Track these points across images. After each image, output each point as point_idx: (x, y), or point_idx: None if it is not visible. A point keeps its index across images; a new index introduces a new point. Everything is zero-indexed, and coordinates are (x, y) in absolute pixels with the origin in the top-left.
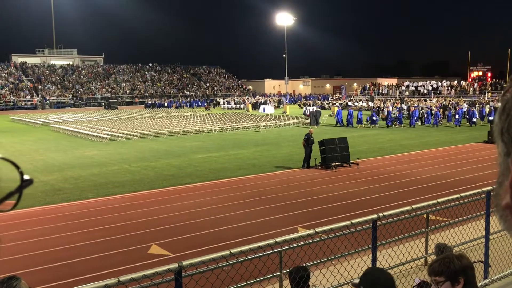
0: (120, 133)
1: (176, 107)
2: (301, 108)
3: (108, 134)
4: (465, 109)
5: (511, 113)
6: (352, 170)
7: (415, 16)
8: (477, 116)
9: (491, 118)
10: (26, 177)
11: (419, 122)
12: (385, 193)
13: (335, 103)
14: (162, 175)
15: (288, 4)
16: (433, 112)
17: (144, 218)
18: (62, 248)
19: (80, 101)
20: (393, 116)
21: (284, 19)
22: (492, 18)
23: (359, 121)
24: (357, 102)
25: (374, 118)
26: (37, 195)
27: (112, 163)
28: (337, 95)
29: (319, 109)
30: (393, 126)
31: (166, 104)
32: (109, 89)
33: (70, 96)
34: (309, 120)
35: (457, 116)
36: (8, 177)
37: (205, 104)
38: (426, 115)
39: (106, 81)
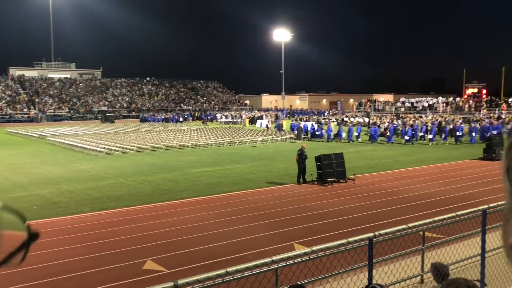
0: (116, 146)
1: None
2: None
3: (104, 148)
4: (450, 126)
5: None
6: (348, 186)
7: (412, 33)
8: (462, 132)
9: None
10: (31, 230)
11: (429, 136)
12: (381, 210)
13: (331, 119)
14: (158, 190)
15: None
16: (429, 128)
17: (139, 233)
18: (56, 263)
19: (77, 115)
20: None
21: (282, 35)
22: (488, 36)
23: (355, 136)
24: (353, 117)
25: (373, 133)
26: (32, 208)
27: (108, 177)
28: (334, 110)
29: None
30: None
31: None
32: (106, 103)
33: (67, 110)
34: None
35: (458, 133)
36: (13, 230)
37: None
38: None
39: (104, 95)
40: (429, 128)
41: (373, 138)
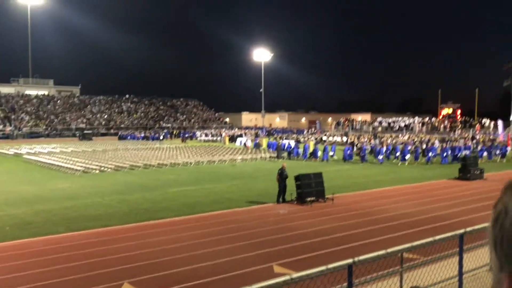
0: (94, 165)
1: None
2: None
3: (81, 166)
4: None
5: (504, 226)
6: (327, 206)
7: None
8: (436, 153)
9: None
10: None
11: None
12: (359, 230)
13: (310, 137)
14: (136, 209)
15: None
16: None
17: (116, 255)
18: (29, 286)
19: (54, 132)
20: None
21: (262, 55)
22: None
23: (350, 156)
24: (332, 137)
25: (349, 152)
26: (5, 229)
27: (85, 196)
28: (313, 129)
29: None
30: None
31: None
32: (85, 120)
33: (44, 127)
34: (276, 154)
35: (430, 154)
36: None
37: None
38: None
39: (82, 112)
40: (400, 148)
41: (346, 157)
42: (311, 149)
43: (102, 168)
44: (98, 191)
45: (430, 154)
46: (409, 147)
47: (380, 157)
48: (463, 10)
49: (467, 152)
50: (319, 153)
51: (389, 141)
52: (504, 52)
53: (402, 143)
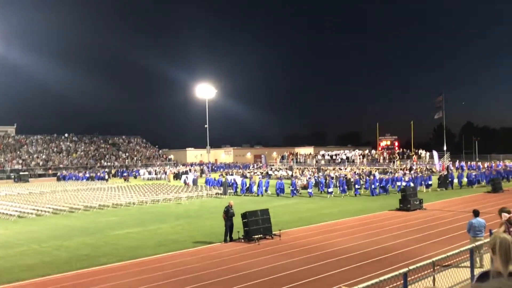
0: (30, 209)
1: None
2: (223, 177)
3: (16, 211)
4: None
5: None
6: (274, 243)
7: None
8: (361, 184)
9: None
10: None
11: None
12: (307, 266)
13: (256, 172)
14: (75, 256)
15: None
16: (352, 180)
17: None
18: None
19: None
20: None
21: (206, 91)
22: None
23: (281, 190)
24: (277, 171)
25: (293, 188)
26: None
27: (20, 243)
28: (258, 163)
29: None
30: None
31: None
32: (20, 161)
33: None
34: (221, 191)
35: (373, 186)
36: None
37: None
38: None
39: (18, 153)
40: (333, 181)
41: (278, 191)
42: (247, 184)
43: (39, 212)
44: (34, 237)
45: (356, 186)
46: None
47: (330, 189)
48: (395, 47)
49: (399, 183)
50: (254, 188)
51: (332, 174)
52: (434, 86)
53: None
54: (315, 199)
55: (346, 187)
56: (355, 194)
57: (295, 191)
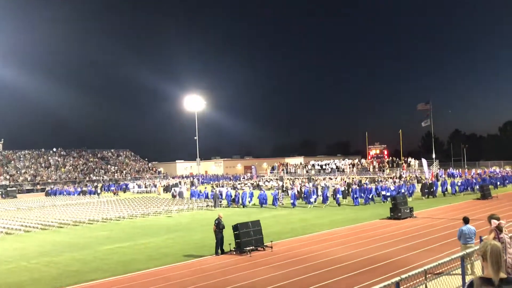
0: (18, 225)
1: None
2: (213, 189)
3: (4, 227)
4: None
5: None
6: (266, 254)
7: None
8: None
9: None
10: None
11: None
12: (299, 277)
13: (246, 183)
14: (65, 272)
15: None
16: (342, 189)
17: None
18: None
19: None
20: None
21: (195, 103)
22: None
23: (265, 201)
24: (268, 181)
25: (261, 197)
26: None
27: (8, 260)
28: (249, 174)
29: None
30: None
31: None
32: (8, 177)
33: None
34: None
35: (363, 194)
36: None
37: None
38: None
39: (5, 168)
40: (319, 191)
41: (262, 202)
42: (233, 195)
43: (27, 228)
44: (22, 254)
45: (337, 195)
46: (342, 189)
47: (312, 199)
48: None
49: (384, 192)
50: (241, 199)
51: (322, 184)
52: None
53: (334, 186)
54: (305, 210)
55: (328, 196)
56: (338, 205)
57: (276, 202)
